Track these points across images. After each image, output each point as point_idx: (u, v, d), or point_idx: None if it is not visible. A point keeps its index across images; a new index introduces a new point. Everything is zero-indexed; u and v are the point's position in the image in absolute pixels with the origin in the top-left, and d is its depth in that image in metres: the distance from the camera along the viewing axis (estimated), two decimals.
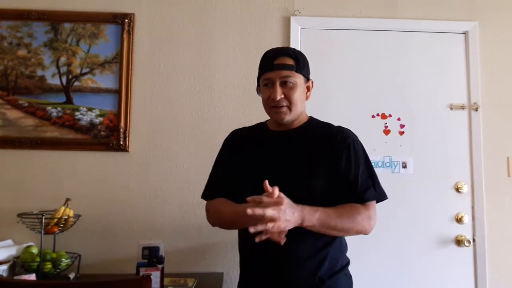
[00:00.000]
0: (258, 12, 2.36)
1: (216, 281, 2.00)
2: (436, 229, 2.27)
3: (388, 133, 2.34)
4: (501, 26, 2.42)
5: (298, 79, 1.50)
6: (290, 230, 1.34)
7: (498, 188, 2.31)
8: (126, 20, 2.29)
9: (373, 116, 2.35)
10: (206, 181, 2.18)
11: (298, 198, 1.37)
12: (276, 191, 1.30)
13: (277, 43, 2.32)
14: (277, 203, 1.28)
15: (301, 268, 1.43)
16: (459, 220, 2.27)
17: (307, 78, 1.56)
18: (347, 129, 1.57)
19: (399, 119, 2.35)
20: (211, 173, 1.67)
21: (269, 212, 1.25)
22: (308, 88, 1.57)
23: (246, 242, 1.56)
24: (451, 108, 2.36)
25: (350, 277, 1.56)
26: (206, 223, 2.11)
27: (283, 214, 1.27)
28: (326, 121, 1.62)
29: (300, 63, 1.51)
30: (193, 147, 2.26)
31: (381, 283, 2.21)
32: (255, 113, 2.24)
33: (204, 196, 1.64)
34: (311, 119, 1.61)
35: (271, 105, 1.51)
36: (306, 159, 1.48)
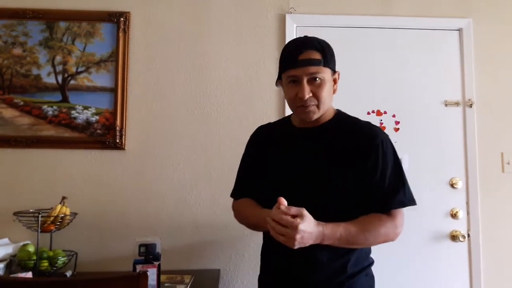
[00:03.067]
0: (253, 10, 2.36)
1: (213, 278, 2.00)
2: (431, 224, 2.29)
3: (383, 130, 2.34)
4: (495, 23, 2.43)
5: (326, 74, 1.39)
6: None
7: (493, 184, 2.32)
8: (122, 19, 2.29)
9: (368, 113, 2.36)
10: (202, 178, 2.20)
11: (322, 201, 1.33)
12: (285, 202, 1.25)
13: (273, 41, 2.32)
14: (293, 224, 1.22)
15: (320, 273, 1.38)
16: (454, 216, 2.29)
17: (334, 70, 1.45)
18: (377, 127, 1.49)
19: (394, 115, 2.36)
20: (237, 172, 1.62)
21: (284, 230, 1.22)
22: (335, 81, 1.45)
23: (267, 244, 1.52)
24: (446, 105, 2.37)
25: (371, 277, 1.49)
26: (203, 221, 2.16)
27: (300, 233, 1.21)
28: (354, 116, 1.53)
29: (327, 55, 1.39)
30: (189, 145, 2.26)
31: (376, 278, 2.21)
32: (251, 111, 2.25)
33: (232, 195, 1.62)
34: (338, 114, 1.51)
35: (298, 105, 1.40)
36: (331, 160, 1.39)
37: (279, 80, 1.49)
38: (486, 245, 2.28)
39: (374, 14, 2.39)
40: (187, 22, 2.34)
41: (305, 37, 1.48)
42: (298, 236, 1.21)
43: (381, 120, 2.36)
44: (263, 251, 1.57)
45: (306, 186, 1.31)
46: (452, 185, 2.31)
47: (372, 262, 1.51)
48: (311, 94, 1.37)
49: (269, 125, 1.63)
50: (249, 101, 2.27)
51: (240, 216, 1.56)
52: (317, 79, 1.37)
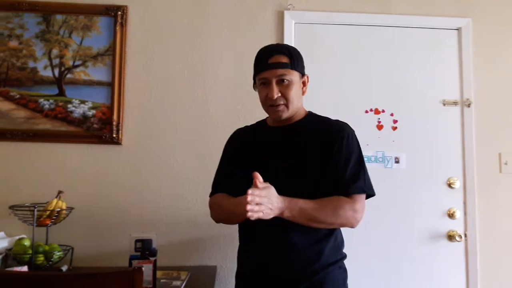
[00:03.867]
0: (251, 6, 2.35)
1: (209, 274, 2.00)
2: (428, 224, 2.29)
3: (381, 128, 2.35)
4: (495, 22, 2.43)
5: (294, 76, 1.52)
6: (287, 222, 1.41)
7: (490, 184, 2.33)
8: (119, 13, 2.28)
9: (366, 111, 2.35)
10: (199, 174, 2.20)
11: (292, 192, 1.42)
12: (260, 178, 1.35)
13: (271, 38, 2.31)
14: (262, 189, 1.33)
15: (295, 260, 1.46)
16: (451, 216, 2.29)
17: (302, 74, 1.57)
18: (345, 123, 1.59)
19: (392, 114, 2.36)
20: (215, 173, 1.71)
21: (257, 200, 1.31)
22: (304, 83, 1.59)
23: (244, 232, 1.60)
24: (444, 104, 2.37)
25: (344, 270, 1.57)
26: (200, 217, 2.15)
27: (268, 201, 1.33)
28: (324, 116, 1.63)
29: (294, 60, 1.52)
30: (186, 140, 2.25)
31: (372, 278, 2.22)
32: (248, 107, 2.24)
33: (210, 194, 1.69)
34: (309, 114, 1.63)
35: (268, 104, 1.53)
36: (301, 154, 1.51)
37: (254, 84, 1.62)
38: (483, 245, 2.28)
39: (372, 12, 2.38)
40: (185, 17, 2.32)
41: (276, 44, 1.70)
42: (249, 198, 1.30)
43: (379, 118, 2.35)
44: (239, 250, 1.65)
45: (278, 178, 1.41)
46: (449, 185, 2.31)
47: (345, 256, 1.58)
48: (279, 94, 1.50)
49: (245, 127, 1.74)
50: (246, 97, 2.25)
51: (217, 209, 1.62)
52: (285, 80, 1.50)
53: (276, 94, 1.49)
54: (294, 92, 1.51)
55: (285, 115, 1.53)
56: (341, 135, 1.52)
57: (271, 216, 1.36)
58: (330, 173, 1.48)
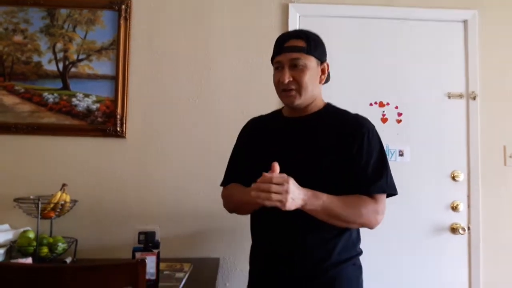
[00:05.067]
0: None
1: (212, 266, 2.00)
2: (432, 216, 2.28)
3: (386, 121, 2.34)
4: (501, 15, 2.40)
5: (309, 61, 1.45)
6: (299, 219, 1.36)
7: (494, 177, 2.31)
8: (123, 6, 2.27)
9: (370, 104, 2.34)
10: (202, 167, 2.20)
11: (307, 184, 1.36)
12: (277, 168, 1.30)
13: (275, 30, 2.30)
14: (282, 179, 1.27)
15: (306, 258, 1.43)
16: (454, 208, 2.28)
17: (321, 61, 1.50)
18: (365, 117, 1.53)
19: (396, 107, 2.34)
20: (228, 162, 1.67)
21: (274, 187, 1.26)
22: (323, 71, 1.51)
23: (257, 228, 1.57)
24: (449, 97, 2.36)
25: (359, 267, 1.53)
26: (203, 209, 2.16)
27: (290, 192, 1.27)
28: (343, 108, 1.57)
29: (311, 44, 1.46)
30: (190, 133, 2.25)
31: (375, 270, 2.21)
32: (253, 99, 2.24)
33: (222, 183, 1.66)
34: (327, 106, 1.56)
35: (281, 89, 1.48)
36: (316, 146, 1.45)
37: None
38: (486, 238, 2.28)
39: (378, 4, 2.36)
40: (188, 10, 2.31)
41: (296, 29, 1.63)
42: (290, 190, 1.26)
43: (384, 111, 2.34)
44: (252, 249, 1.61)
45: (293, 172, 1.34)
46: (453, 178, 2.30)
47: (360, 252, 1.54)
48: (291, 79, 1.44)
49: (260, 117, 1.69)
50: (250, 90, 2.26)
51: (230, 199, 1.60)
52: (299, 65, 1.44)
53: (288, 78, 1.43)
54: (309, 78, 1.44)
55: (297, 101, 1.46)
56: (362, 131, 1.45)
57: (293, 207, 1.29)
58: (349, 170, 1.42)
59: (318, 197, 1.34)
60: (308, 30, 1.53)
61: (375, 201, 1.42)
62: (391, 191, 1.47)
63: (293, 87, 1.45)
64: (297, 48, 1.44)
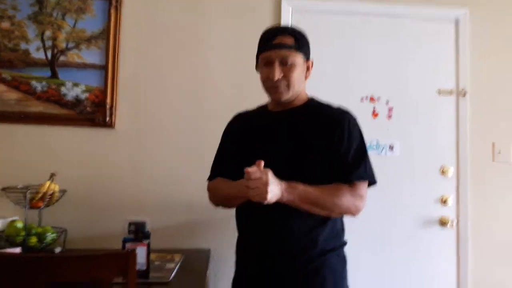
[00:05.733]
0: None
1: (203, 257, 2.00)
2: (421, 210, 2.31)
3: (376, 117, 2.35)
4: (492, 13, 2.43)
5: (298, 58, 1.48)
6: (283, 208, 1.38)
7: (483, 172, 2.35)
8: None
9: (361, 100, 2.36)
10: (192, 158, 2.19)
11: (290, 177, 1.39)
12: (261, 165, 1.32)
13: (268, 25, 2.26)
14: (260, 173, 1.31)
15: (290, 247, 1.44)
16: (443, 202, 2.31)
17: (307, 57, 1.54)
18: (346, 109, 1.55)
19: (387, 103, 2.36)
20: (214, 156, 1.69)
21: (252, 183, 1.30)
22: (308, 68, 1.55)
23: (241, 219, 1.58)
24: (439, 93, 2.38)
25: (343, 258, 1.54)
26: (194, 200, 2.15)
27: (269, 184, 1.29)
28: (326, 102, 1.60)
29: (300, 42, 1.49)
30: (181, 125, 2.24)
31: (365, 264, 2.24)
32: (247, 93, 2.20)
33: (208, 178, 1.67)
34: (311, 100, 1.59)
35: (269, 85, 1.49)
36: (301, 138, 1.48)
37: (257, 65, 1.57)
38: (474, 231, 2.31)
39: (371, 1, 2.37)
40: (181, 2, 2.29)
41: (283, 25, 1.62)
42: (269, 182, 1.29)
43: (374, 106, 2.36)
44: (238, 240, 1.62)
45: (277, 164, 1.37)
46: (442, 172, 2.33)
47: (344, 243, 1.56)
48: (281, 75, 1.46)
49: (246, 111, 1.70)
50: (243, 84, 2.25)
51: (216, 192, 1.61)
52: (288, 62, 1.46)
53: (278, 75, 1.45)
54: (297, 75, 1.48)
55: (285, 97, 1.50)
56: (343, 122, 1.48)
57: (274, 200, 1.32)
58: (331, 160, 1.45)
59: (294, 187, 1.37)
60: (295, 27, 1.56)
61: (355, 189, 1.45)
62: (370, 179, 1.50)
63: (282, 83, 1.47)
64: (286, 45, 1.46)
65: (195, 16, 2.29)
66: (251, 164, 1.33)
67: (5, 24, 2.22)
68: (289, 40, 1.47)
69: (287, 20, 2.31)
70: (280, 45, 1.46)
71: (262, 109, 1.65)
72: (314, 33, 2.29)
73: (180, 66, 2.27)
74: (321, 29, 2.35)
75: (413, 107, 2.36)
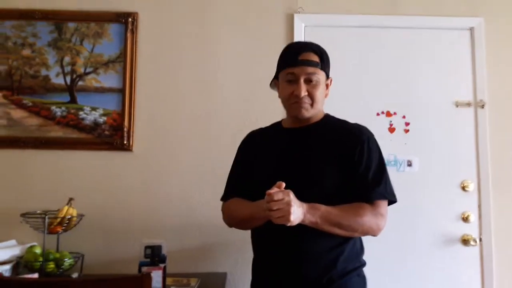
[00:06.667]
0: (261, 9, 2.34)
1: (219, 281, 1.99)
2: (442, 228, 2.24)
3: (393, 131, 2.32)
4: (507, 21, 2.38)
5: (322, 76, 1.49)
6: (302, 229, 1.35)
7: (505, 186, 2.27)
8: (130, 19, 2.29)
9: (377, 114, 2.33)
10: (208, 180, 2.19)
11: (309, 195, 1.37)
12: (283, 186, 1.31)
13: (281, 41, 2.30)
14: (283, 193, 1.29)
15: (310, 268, 1.42)
16: (465, 219, 2.24)
17: (328, 76, 1.54)
18: (364, 126, 1.56)
19: (404, 117, 2.32)
20: (228, 176, 1.67)
21: (279, 204, 1.27)
22: (327, 86, 1.55)
23: (258, 240, 1.56)
24: (457, 105, 2.33)
25: (363, 278, 1.53)
26: (209, 223, 2.14)
27: (292, 205, 1.27)
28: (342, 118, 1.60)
29: (324, 60, 1.50)
30: (197, 147, 2.25)
31: (386, 283, 2.18)
32: (258, 112, 2.23)
33: (222, 198, 1.66)
34: (327, 116, 1.59)
35: (292, 101, 1.49)
36: (318, 156, 1.47)
37: (274, 80, 1.58)
38: (498, 249, 2.23)
39: (383, 13, 2.36)
40: (194, 22, 2.33)
41: (306, 41, 1.63)
42: (292, 202, 1.27)
43: (391, 121, 2.32)
44: (254, 261, 1.60)
45: (294, 183, 1.35)
46: (463, 188, 2.27)
47: (364, 264, 1.54)
48: (306, 93, 1.46)
49: (259, 129, 1.70)
50: (256, 102, 2.25)
51: (232, 213, 1.58)
52: (313, 80, 1.46)
53: (304, 92, 1.45)
54: (320, 93, 1.49)
55: (308, 114, 1.49)
56: (362, 139, 1.48)
57: (296, 222, 1.30)
58: (351, 178, 1.44)
59: (316, 208, 1.36)
60: (318, 44, 1.55)
61: (376, 207, 1.43)
62: (391, 198, 1.48)
63: (306, 101, 1.47)
64: (313, 63, 1.46)
65: (209, 37, 2.32)
66: (268, 183, 1.32)
67: (26, 52, 2.29)
68: (315, 58, 1.47)
69: (299, 35, 2.31)
70: (307, 62, 1.46)
71: (276, 127, 1.64)
72: (327, 47, 2.27)
73: (195, 87, 2.29)
74: (334, 43, 2.34)
75: (430, 120, 2.31)
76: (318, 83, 1.47)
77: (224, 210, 1.63)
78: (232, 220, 1.60)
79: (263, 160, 1.54)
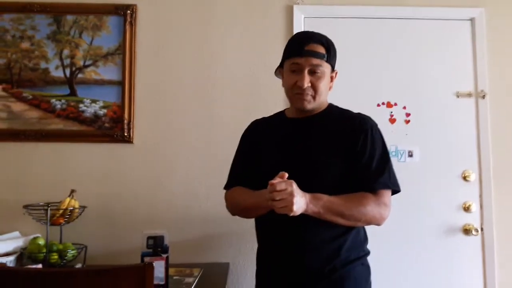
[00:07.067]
0: (260, 1, 2.33)
1: (222, 271, 1.99)
2: (444, 218, 2.25)
3: (394, 122, 2.32)
4: (508, 12, 2.38)
5: (327, 68, 1.47)
6: (305, 219, 1.36)
7: (507, 176, 2.28)
8: (128, 12, 2.28)
9: (378, 105, 2.33)
10: (209, 171, 2.19)
11: (312, 185, 1.37)
12: (285, 176, 1.31)
13: (280, 33, 2.29)
14: (285, 184, 1.29)
15: (313, 257, 1.42)
16: (466, 209, 2.25)
17: (333, 68, 1.53)
18: (367, 115, 1.55)
19: (404, 107, 2.32)
20: (231, 165, 1.67)
21: (282, 194, 1.28)
22: (331, 78, 1.53)
23: (262, 230, 1.57)
24: (458, 96, 2.33)
25: (367, 267, 1.53)
26: (212, 214, 2.15)
27: (294, 195, 1.27)
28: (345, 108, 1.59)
29: (331, 52, 1.48)
30: (197, 137, 2.25)
31: (388, 272, 2.19)
32: (259, 103, 2.23)
33: (225, 186, 1.66)
34: (330, 106, 1.58)
35: (295, 92, 1.47)
36: (322, 146, 1.46)
37: (279, 69, 1.57)
38: (500, 238, 2.24)
39: (383, 4, 2.35)
40: (194, 14, 2.32)
41: (313, 32, 1.56)
42: (294, 192, 1.27)
43: (392, 112, 2.32)
44: (258, 250, 1.61)
45: (296, 173, 1.35)
46: (464, 178, 2.27)
47: (368, 252, 1.54)
48: (309, 84, 1.45)
49: (262, 119, 1.69)
50: (257, 93, 2.25)
51: (235, 201, 1.58)
52: (318, 71, 1.44)
53: (307, 83, 1.44)
54: (324, 85, 1.47)
55: (310, 106, 1.48)
56: (365, 128, 1.47)
57: (299, 211, 1.31)
58: (354, 168, 1.43)
59: (319, 198, 1.36)
60: (326, 36, 1.53)
61: (379, 197, 1.42)
62: (395, 187, 1.48)
63: (309, 92, 1.46)
64: (319, 55, 1.44)
65: (208, 29, 2.31)
66: (271, 173, 1.32)
67: (25, 45, 2.28)
68: (321, 49, 1.45)
69: (299, 27, 2.30)
70: (313, 53, 1.44)
71: (279, 116, 1.64)
72: None
73: (196, 78, 2.29)
74: (334, 35, 2.27)
75: (431, 111, 2.31)
76: (323, 75, 1.45)
77: (227, 198, 1.64)
78: (235, 208, 1.60)
79: (266, 150, 1.54)
